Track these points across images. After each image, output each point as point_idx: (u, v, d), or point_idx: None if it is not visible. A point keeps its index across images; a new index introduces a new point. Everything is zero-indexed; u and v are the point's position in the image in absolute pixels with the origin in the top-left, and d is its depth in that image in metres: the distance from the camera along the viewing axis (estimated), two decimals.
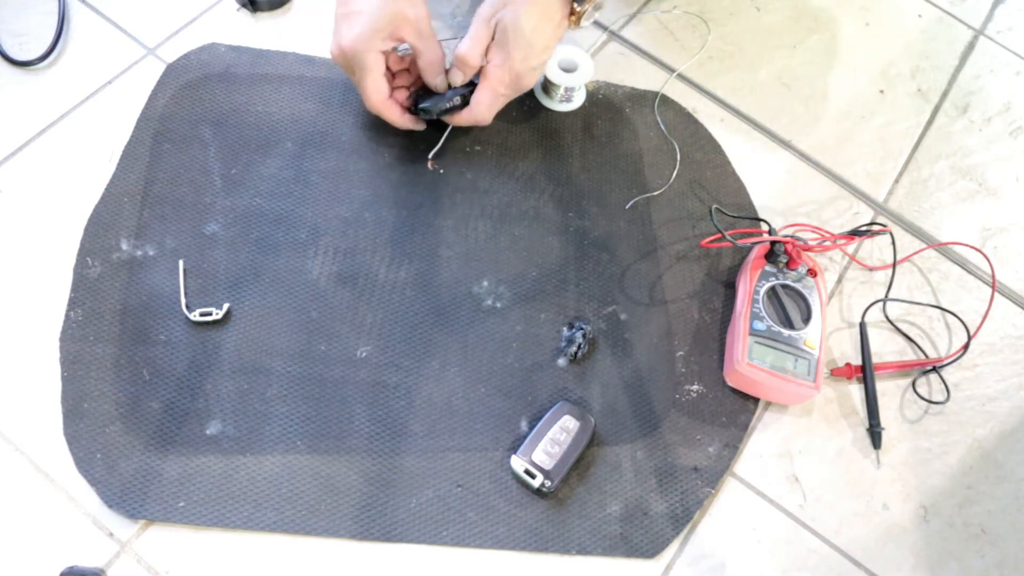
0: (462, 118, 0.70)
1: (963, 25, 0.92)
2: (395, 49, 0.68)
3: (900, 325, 0.72)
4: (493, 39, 0.67)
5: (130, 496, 0.57)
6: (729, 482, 0.64)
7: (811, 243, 0.71)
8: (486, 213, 0.71)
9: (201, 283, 0.65)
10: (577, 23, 0.70)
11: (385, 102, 0.68)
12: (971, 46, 0.91)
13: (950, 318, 0.73)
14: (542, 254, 0.70)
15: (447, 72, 0.68)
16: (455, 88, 0.69)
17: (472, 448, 0.62)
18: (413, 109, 0.70)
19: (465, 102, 0.69)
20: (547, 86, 0.77)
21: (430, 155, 0.72)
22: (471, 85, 0.69)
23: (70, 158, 0.70)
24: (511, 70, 0.67)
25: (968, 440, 0.68)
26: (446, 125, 0.72)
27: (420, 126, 0.72)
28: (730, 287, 0.71)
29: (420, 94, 0.70)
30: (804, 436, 0.66)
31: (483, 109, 0.69)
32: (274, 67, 0.76)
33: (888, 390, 0.69)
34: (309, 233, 0.68)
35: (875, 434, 0.66)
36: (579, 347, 0.65)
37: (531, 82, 0.70)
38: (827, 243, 0.73)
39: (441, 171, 0.73)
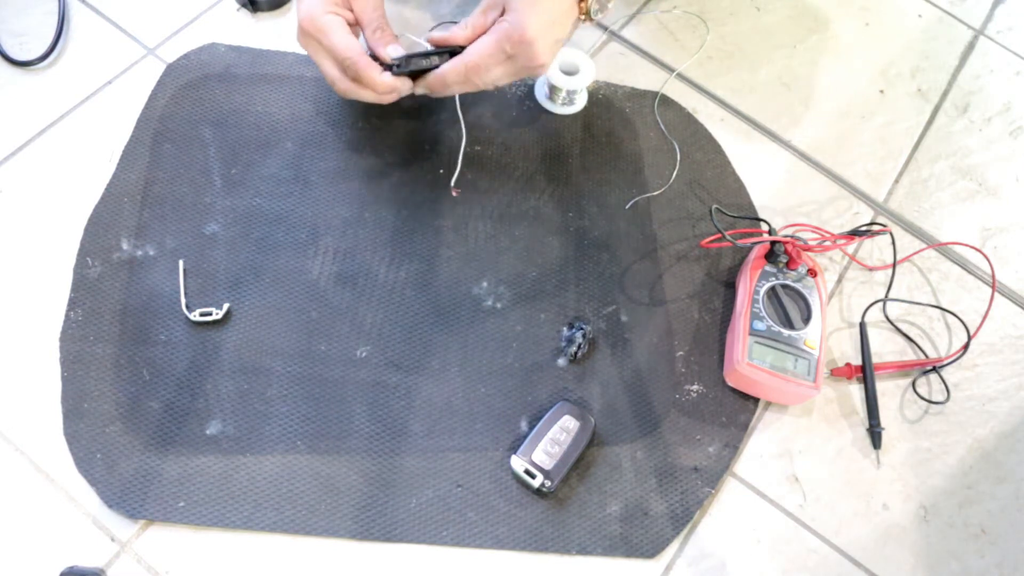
0: (453, 69, 0.63)
1: (963, 25, 0.92)
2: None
3: (900, 325, 0.72)
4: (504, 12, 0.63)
5: (130, 496, 0.57)
6: (729, 482, 0.64)
7: (811, 243, 0.71)
8: (486, 213, 0.71)
9: (201, 283, 0.65)
10: (587, 17, 0.65)
11: (361, 56, 0.62)
12: (971, 46, 0.91)
13: (950, 318, 0.73)
14: (542, 254, 0.70)
15: (411, 56, 0.63)
16: (435, 49, 0.64)
17: (472, 448, 0.62)
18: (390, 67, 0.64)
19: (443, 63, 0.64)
20: (549, 89, 0.77)
21: (452, 183, 0.71)
22: (453, 53, 0.64)
23: (70, 158, 0.70)
24: (522, 32, 0.60)
25: (968, 440, 0.68)
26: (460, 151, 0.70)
27: (405, 85, 0.65)
28: (730, 287, 0.71)
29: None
30: (804, 436, 0.66)
31: (475, 57, 0.62)
32: (274, 67, 0.76)
33: (888, 390, 0.69)
34: (309, 233, 0.68)
35: (875, 434, 0.66)
36: (579, 347, 0.65)
37: (542, 58, 0.63)
38: (827, 243, 0.73)
39: (441, 171, 0.72)
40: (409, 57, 0.64)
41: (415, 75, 0.65)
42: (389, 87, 0.64)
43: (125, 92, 0.73)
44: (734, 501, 0.64)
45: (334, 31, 0.63)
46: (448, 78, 0.64)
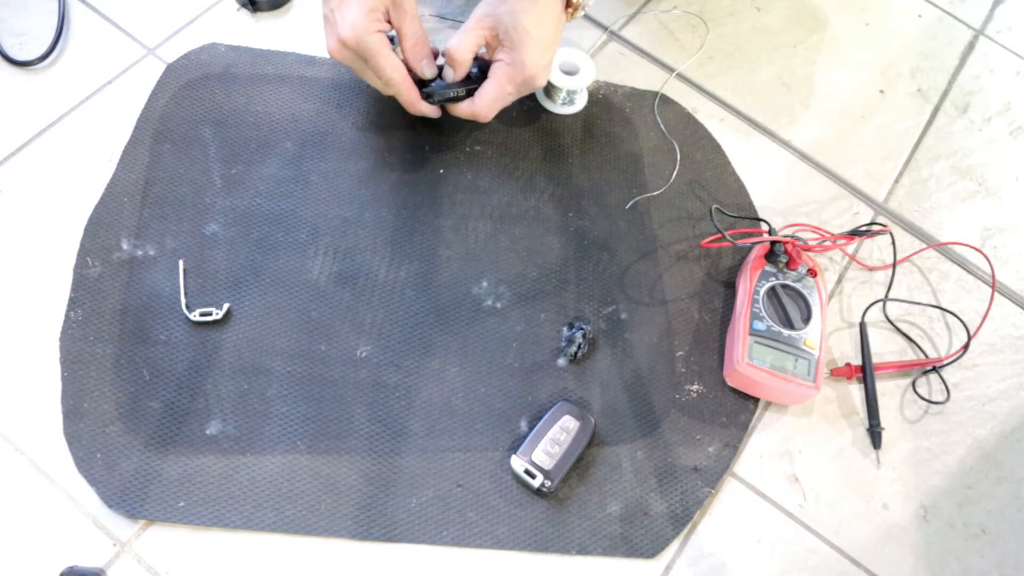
0: (462, 110, 0.69)
1: (963, 25, 0.92)
2: (391, 40, 0.68)
3: (900, 325, 0.72)
4: (499, 41, 0.66)
5: (130, 496, 0.57)
6: (729, 482, 0.64)
7: (811, 243, 0.71)
8: (486, 213, 0.71)
9: (201, 283, 0.65)
10: (574, 15, 0.69)
11: (406, 80, 0.66)
12: (971, 46, 0.91)
13: (950, 318, 0.73)
14: (542, 254, 0.70)
15: (442, 68, 0.68)
16: (457, 83, 0.68)
17: (472, 448, 0.62)
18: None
19: (470, 94, 0.68)
20: (549, 89, 0.77)
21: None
22: (480, 79, 0.68)
23: (70, 158, 0.70)
24: (522, 70, 0.66)
25: (968, 440, 0.68)
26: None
27: (435, 113, 0.70)
28: (730, 287, 0.71)
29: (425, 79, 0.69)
30: (804, 436, 0.66)
31: (485, 104, 0.68)
32: (274, 67, 0.76)
33: (888, 390, 0.69)
34: (309, 233, 0.68)
35: (875, 434, 0.66)
36: (579, 347, 0.65)
37: (541, 82, 0.68)
38: (827, 243, 0.73)
39: (441, 171, 0.73)
40: (440, 87, 0.69)
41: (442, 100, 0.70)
42: (426, 112, 0.70)
43: (125, 92, 0.73)
44: (734, 501, 0.64)
45: (380, 53, 0.64)
46: (461, 114, 0.70)
